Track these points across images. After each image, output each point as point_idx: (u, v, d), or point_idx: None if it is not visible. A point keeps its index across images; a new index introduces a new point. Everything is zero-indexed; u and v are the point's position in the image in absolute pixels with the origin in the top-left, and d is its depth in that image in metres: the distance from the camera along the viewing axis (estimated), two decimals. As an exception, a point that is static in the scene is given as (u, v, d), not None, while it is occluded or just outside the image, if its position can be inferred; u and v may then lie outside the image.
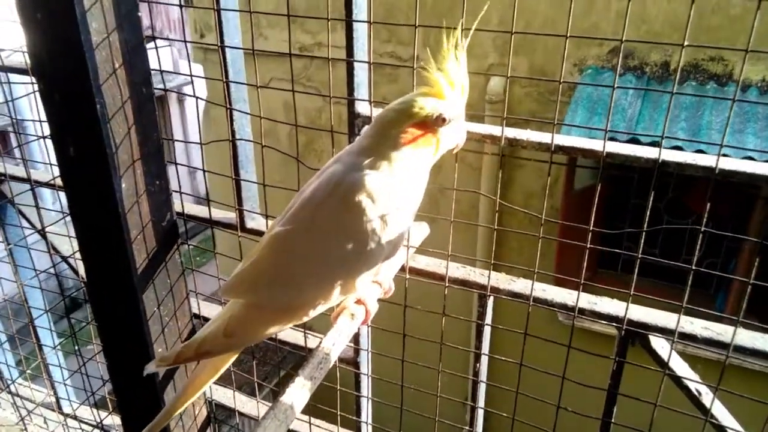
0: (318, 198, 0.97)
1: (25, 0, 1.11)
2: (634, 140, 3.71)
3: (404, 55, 4.50)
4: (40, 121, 1.39)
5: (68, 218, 1.53)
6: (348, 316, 1.05)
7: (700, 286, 4.53)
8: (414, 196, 0.97)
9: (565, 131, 3.88)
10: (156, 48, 1.40)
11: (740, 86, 3.83)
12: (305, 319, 1.02)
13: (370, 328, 1.39)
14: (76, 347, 1.70)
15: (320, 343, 0.99)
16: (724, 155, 0.91)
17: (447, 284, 1.20)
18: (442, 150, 0.97)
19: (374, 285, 1.10)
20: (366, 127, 0.99)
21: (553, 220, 1.05)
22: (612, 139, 3.74)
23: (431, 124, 0.93)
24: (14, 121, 1.40)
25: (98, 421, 1.78)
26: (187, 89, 1.31)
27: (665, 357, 1.07)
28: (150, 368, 1.01)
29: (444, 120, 0.93)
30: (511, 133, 1.07)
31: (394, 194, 0.93)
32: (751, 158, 3.36)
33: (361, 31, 1.12)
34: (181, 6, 1.26)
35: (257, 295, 0.99)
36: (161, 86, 1.32)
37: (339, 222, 0.95)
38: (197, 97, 1.25)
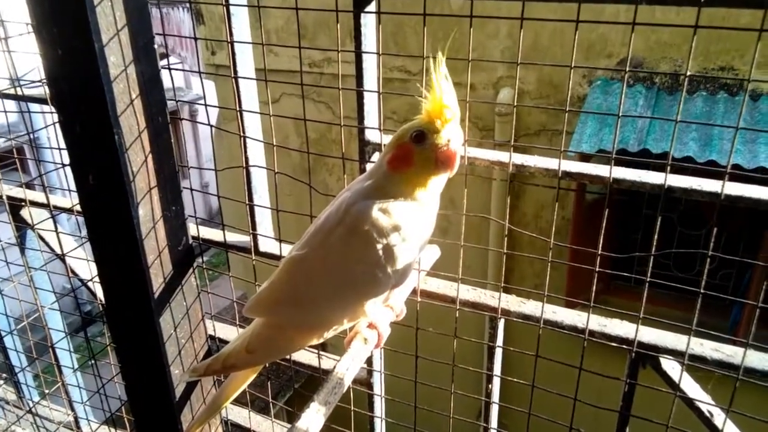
0: (329, 225, 1.01)
1: (45, 36, 1.16)
2: (644, 151, 3.70)
3: (413, 68, 4.53)
4: (59, 149, 1.43)
5: (85, 240, 1.57)
6: (361, 341, 1.07)
7: (715, 297, 4.48)
8: (421, 225, 0.99)
9: (575, 143, 3.89)
10: (169, 67, 1.43)
11: (752, 95, 3.81)
12: (320, 339, 1.07)
13: (382, 349, 1.41)
14: (94, 365, 1.73)
15: (334, 367, 1.01)
16: (736, 166, 0.91)
17: (458, 307, 1.21)
18: (424, 170, 0.96)
19: (386, 309, 1.12)
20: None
21: (562, 244, 1.07)
22: (622, 150, 3.71)
23: (408, 143, 0.95)
24: (34, 147, 1.44)
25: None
26: (199, 105, 1.35)
27: (676, 379, 1.07)
28: (184, 378, 1.11)
29: (420, 137, 0.93)
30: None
31: (400, 224, 0.96)
32: (764, 168, 3.34)
33: (370, 61, 1.15)
34: (195, 39, 1.29)
35: (275, 314, 1.06)
36: (174, 101, 1.35)
37: (347, 249, 0.98)
38: (211, 126, 1.28)
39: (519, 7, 0.91)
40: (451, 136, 0.93)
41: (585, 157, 3.94)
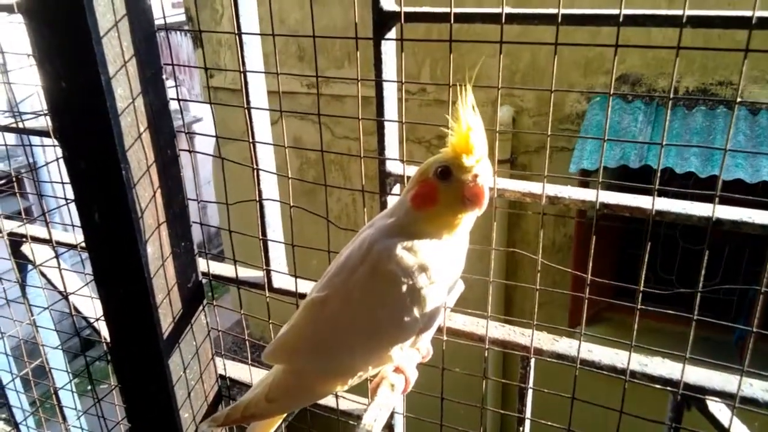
0: (351, 264, 0.95)
1: (48, 69, 1.10)
2: (645, 167, 3.68)
3: (430, 88, 4.53)
4: (62, 183, 1.37)
5: (86, 277, 1.51)
6: (388, 387, 1.01)
7: (718, 315, 4.44)
8: (449, 265, 0.93)
9: (576, 160, 3.86)
10: (178, 99, 1.38)
11: (751, 110, 3.81)
12: (345, 387, 1.01)
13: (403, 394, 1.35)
14: (97, 406, 1.65)
15: (362, 419, 0.94)
16: (738, 181, 0.87)
17: (487, 346, 1.15)
18: (450, 209, 0.90)
19: (413, 351, 1.06)
20: None
21: (564, 268, 1.01)
22: (623, 167, 3.67)
23: (433, 179, 0.89)
24: (35, 181, 1.38)
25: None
26: (197, 127, 1.29)
27: (724, 421, 1.01)
28: (203, 428, 1.05)
29: (446, 174, 0.88)
30: (552, 191, 1.03)
31: (427, 263, 0.90)
32: (766, 182, 3.32)
33: (390, 89, 1.10)
34: (206, 68, 1.24)
35: (296, 361, 1.00)
36: (184, 132, 1.30)
37: (371, 291, 0.93)
38: (222, 158, 1.22)
39: (518, 29, 0.87)
40: (479, 171, 0.87)
41: (585, 174, 3.91)
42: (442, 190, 0.89)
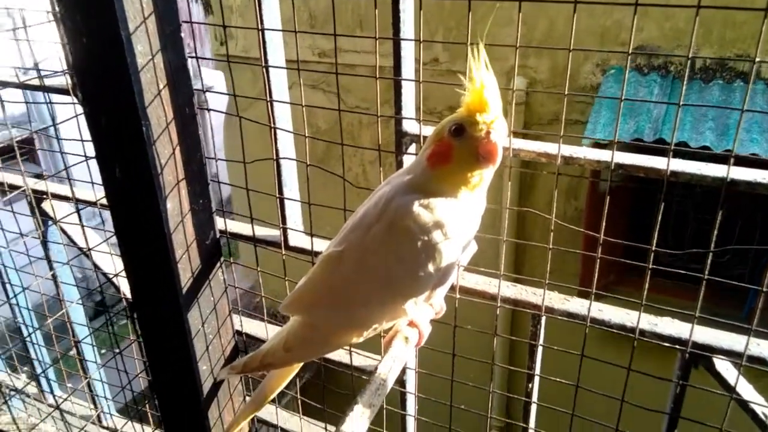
0: (368, 220, 0.97)
1: (69, 25, 1.11)
2: (660, 140, 3.65)
3: (442, 57, 4.48)
4: (82, 141, 1.39)
5: (105, 234, 1.54)
6: (402, 340, 1.03)
7: (729, 288, 4.44)
8: (465, 223, 0.95)
9: (589, 132, 3.83)
10: (197, 56, 1.39)
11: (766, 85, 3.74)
12: (360, 339, 1.04)
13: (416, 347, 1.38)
14: (117, 358, 1.70)
15: (377, 368, 0.98)
16: (753, 155, 0.87)
17: (499, 304, 1.18)
18: (465, 166, 0.91)
19: (426, 306, 1.08)
20: None
21: (576, 227, 1.03)
22: (638, 139, 3.66)
23: (447, 138, 0.91)
24: (58, 140, 1.40)
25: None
26: (208, 95, 1.31)
27: (731, 380, 1.04)
28: (222, 375, 1.10)
29: (460, 131, 0.89)
30: (568, 151, 1.04)
31: (443, 220, 0.91)
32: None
33: (408, 49, 1.10)
34: (224, 26, 1.24)
35: (311, 314, 1.03)
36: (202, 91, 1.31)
37: (387, 246, 0.94)
38: (240, 116, 1.24)
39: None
40: (493, 127, 0.88)
41: (597, 146, 3.88)
42: (457, 148, 0.90)
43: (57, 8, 1.15)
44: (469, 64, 0.86)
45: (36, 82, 1.48)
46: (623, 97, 0.86)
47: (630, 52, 0.82)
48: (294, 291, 1.02)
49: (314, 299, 1.01)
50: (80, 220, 1.45)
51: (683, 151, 1.01)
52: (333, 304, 1.00)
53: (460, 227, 0.94)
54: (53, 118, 1.30)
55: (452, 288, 1.20)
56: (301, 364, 1.12)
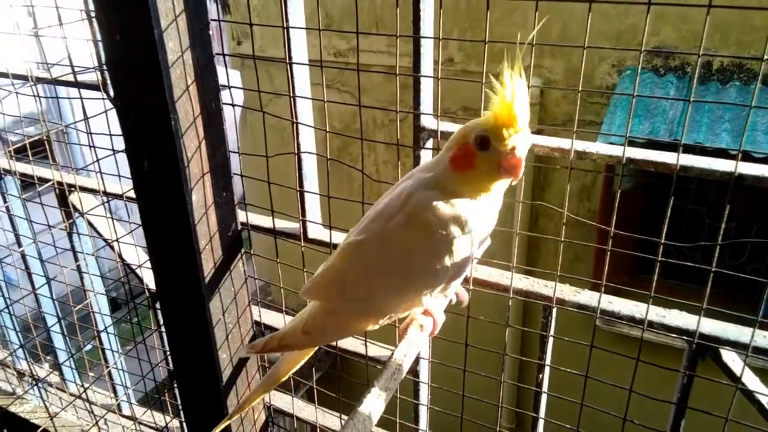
0: (389, 211, 1.00)
1: (104, 22, 1.16)
2: (676, 142, 3.64)
3: (457, 58, 4.51)
4: (110, 135, 1.44)
5: (130, 226, 1.59)
6: (417, 327, 1.07)
7: (742, 291, 4.42)
8: (482, 221, 0.98)
9: (604, 131, 3.84)
10: (223, 54, 1.44)
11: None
12: (375, 326, 1.07)
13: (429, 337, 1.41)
14: (139, 348, 1.76)
15: (392, 354, 1.01)
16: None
17: (511, 296, 1.21)
18: (486, 175, 0.93)
19: (441, 296, 1.12)
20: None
21: (585, 221, 1.05)
22: (652, 141, 3.65)
23: (471, 146, 0.92)
24: (89, 134, 1.46)
25: (161, 425, 1.85)
26: (224, 94, 1.36)
27: (737, 371, 1.06)
28: (242, 353, 1.13)
29: (484, 143, 0.90)
30: (581, 146, 1.07)
31: (461, 216, 0.94)
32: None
33: (427, 46, 1.14)
34: (251, 24, 1.29)
35: (330, 299, 1.07)
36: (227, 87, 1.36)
37: (406, 238, 0.98)
38: (264, 112, 1.28)
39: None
40: (518, 143, 0.89)
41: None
42: (480, 157, 0.92)
43: (91, 6, 1.21)
44: (503, 69, 0.85)
45: (64, 78, 1.54)
46: (635, 94, 0.89)
47: (642, 50, 0.85)
48: (314, 276, 1.06)
49: (334, 285, 1.05)
50: (109, 212, 1.51)
51: (694, 144, 1.03)
52: (352, 291, 1.04)
53: (477, 224, 0.97)
54: (85, 113, 1.36)
55: (466, 280, 1.24)
56: (315, 348, 1.16)
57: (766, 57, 0.83)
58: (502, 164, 0.90)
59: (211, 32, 1.28)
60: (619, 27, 4.08)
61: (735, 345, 1.04)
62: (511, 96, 0.86)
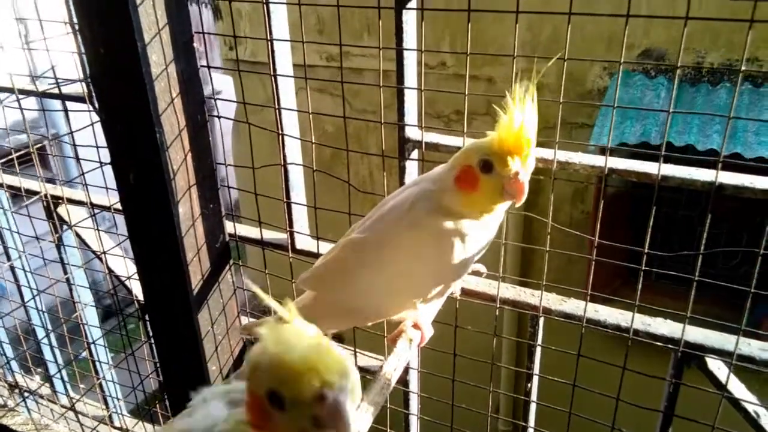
0: (393, 216, 1.02)
1: (88, 35, 1.16)
2: (666, 144, 3.66)
3: (449, 61, 4.51)
4: (97, 147, 1.44)
5: (118, 237, 1.59)
6: (406, 341, 1.07)
7: (734, 297, 4.43)
8: (481, 237, 0.99)
9: (596, 136, 3.85)
10: (208, 66, 1.43)
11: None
12: (364, 324, 1.08)
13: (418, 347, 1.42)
14: (130, 359, 1.75)
15: (381, 368, 1.01)
16: (759, 159, 0.90)
17: (498, 305, 1.21)
18: (489, 197, 0.94)
19: (430, 307, 1.13)
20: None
21: (573, 230, 1.06)
22: (644, 144, 3.67)
23: (475, 169, 0.93)
24: (74, 147, 1.45)
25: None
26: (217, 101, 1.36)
27: (722, 379, 1.06)
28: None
29: (487, 167, 0.91)
30: (563, 156, 1.08)
31: (461, 230, 0.96)
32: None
33: (411, 57, 1.14)
34: (234, 36, 1.29)
35: (324, 290, 1.09)
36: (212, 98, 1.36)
37: (406, 244, 1.00)
38: (249, 123, 1.28)
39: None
40: (521, 167, 0.90)
41: (602, 151, 3.90)
42: (483, 180, 0.93)
43: (75, 19, 1.20)
44: (514, 94, 0.86)
45: (50, 91, 1.54)
46: (616, 105, 0.89)
47: (622, 61, 0.86)
48: (313, 267, 1.08)
49: (331, 277, 1.06)
50: (96, 224, 1.50)
51: (677, 155, 1.04)
52: (347, 287, 1.05)
53: (476, 240, 0.98)
54: (69, 126, 1.35)
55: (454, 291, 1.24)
56: None
57: (744, 63, 0.83)
58: (505, 188, 0.91)
59: (197, 43, 1.28)
60: (610, 29, 4.09)
61: (720, 353, 1.04)
62: (519, 123, 0.87)
